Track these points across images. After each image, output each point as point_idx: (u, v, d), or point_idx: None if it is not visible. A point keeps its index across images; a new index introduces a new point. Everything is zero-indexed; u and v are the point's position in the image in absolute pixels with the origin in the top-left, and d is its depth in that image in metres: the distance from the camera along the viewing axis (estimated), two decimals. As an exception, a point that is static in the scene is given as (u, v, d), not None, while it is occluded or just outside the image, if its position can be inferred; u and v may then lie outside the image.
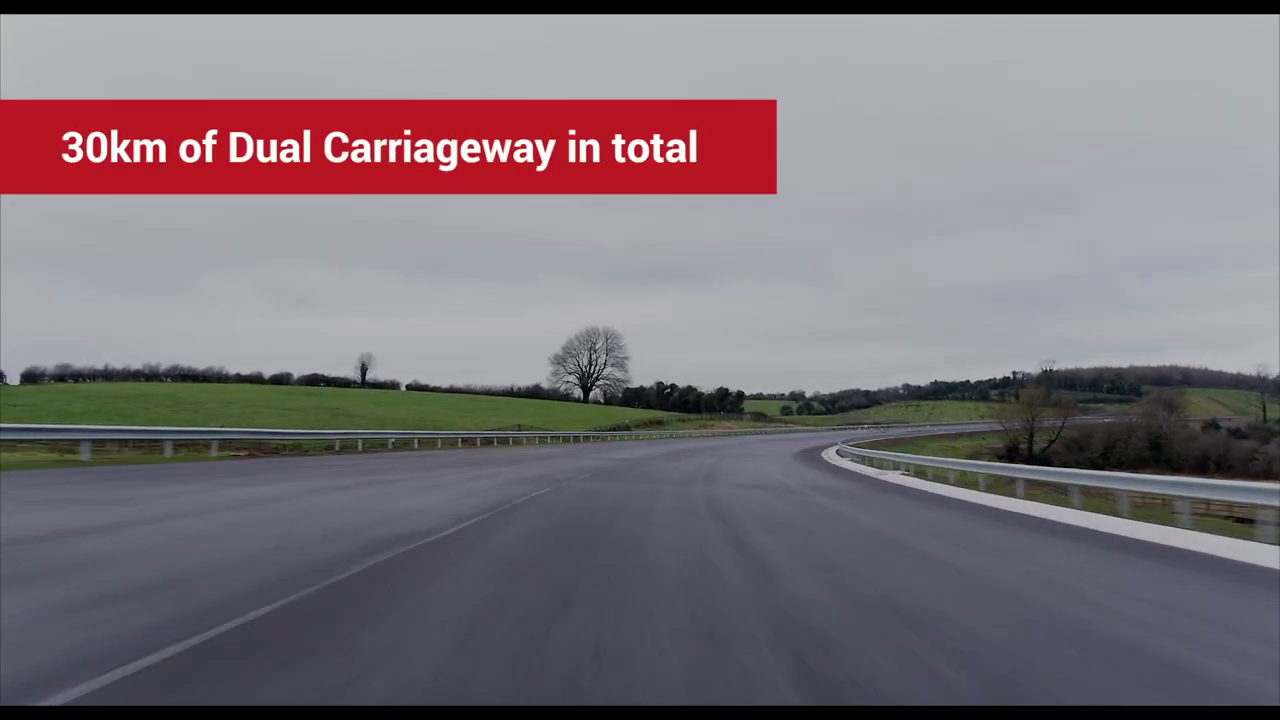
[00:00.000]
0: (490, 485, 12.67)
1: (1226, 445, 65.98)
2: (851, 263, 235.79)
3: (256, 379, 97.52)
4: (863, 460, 31.14)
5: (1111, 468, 53.09)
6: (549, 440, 44.07)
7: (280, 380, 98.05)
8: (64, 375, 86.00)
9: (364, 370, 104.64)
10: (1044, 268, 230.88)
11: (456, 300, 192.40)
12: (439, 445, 29.67)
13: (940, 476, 19.67)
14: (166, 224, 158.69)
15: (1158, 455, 69.74)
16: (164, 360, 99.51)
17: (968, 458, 39.70)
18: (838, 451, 44.80)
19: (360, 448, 24.14)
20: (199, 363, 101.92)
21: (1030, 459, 67.51)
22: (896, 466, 24.23)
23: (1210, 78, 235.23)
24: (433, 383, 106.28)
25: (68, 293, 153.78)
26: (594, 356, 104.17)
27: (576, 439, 48.15)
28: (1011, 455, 70.47)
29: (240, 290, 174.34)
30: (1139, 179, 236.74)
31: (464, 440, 33.65)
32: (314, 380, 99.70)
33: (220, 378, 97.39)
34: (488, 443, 35.97)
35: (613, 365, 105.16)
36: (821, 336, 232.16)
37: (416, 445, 27.90)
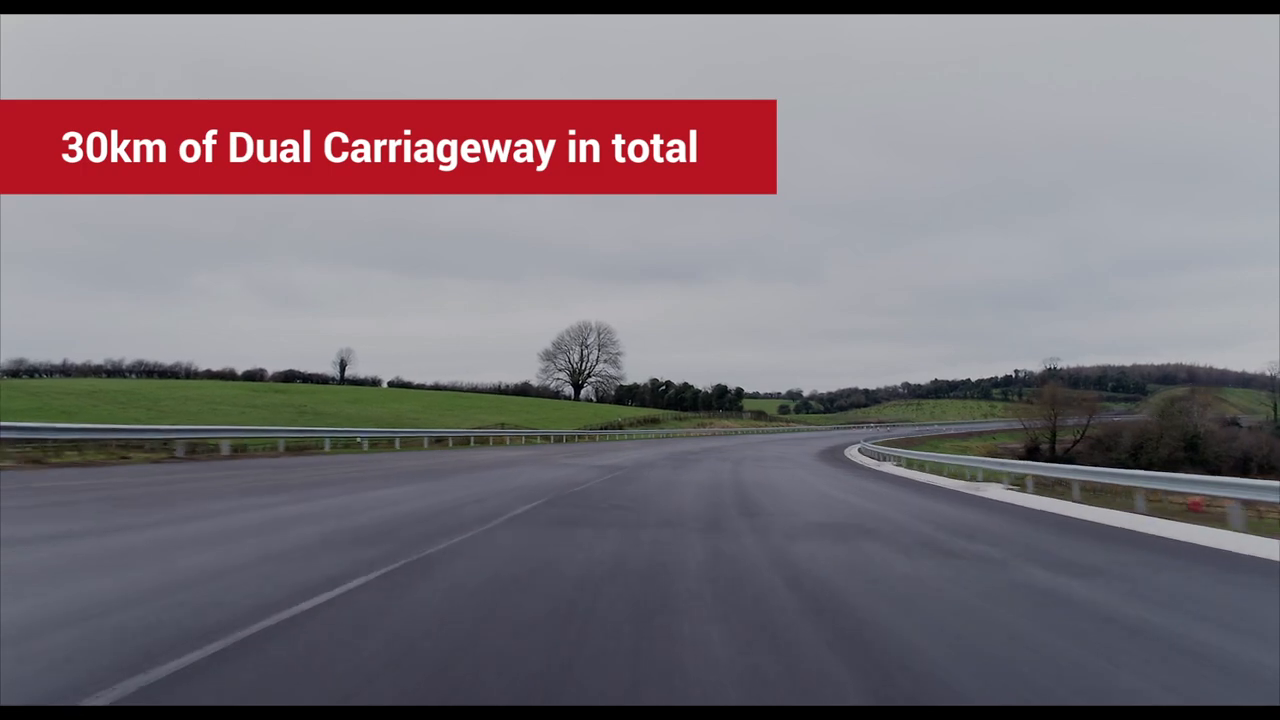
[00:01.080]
0: (225, 563, 5.08)
1: (1270, 445, 59.01)
2: (848, 261, 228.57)
3: (229, 375, 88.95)
4: (912, 465, 23.97)
5: (1144, 468, 46.26)
6: (523, 440, 36.69)
7: (253, 376, 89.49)
8: (18, 371, 77.53)
9: (343, 366, 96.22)
10: (1039, 267, 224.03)
11: (449, 299, 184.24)
12: (365, 447, 21.94)
13: (1102, 499, 12.14)
14: (153, 221, 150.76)
15: (1193, 455, 63.20)
16: (130, 356, 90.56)
17: (986, 457, 32.46)
18: (861, 450, 37.66)
19: (224, 451, 16.46)
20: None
21: (1054, 459, 60.69)
22: (995, 477, 16.83)
23: (1210, 77, 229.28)
24: (418, 380, 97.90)
25: (56, 291, 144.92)
26: (585, 352, 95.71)
27: (560, 439, 40.88)
28: (1032, 455, 64.20)
29: (228, 288, 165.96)
30: (1135, 177, 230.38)
31: (403, 441, 26.04)
32: (289, 376, 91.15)
33: (189, 374, 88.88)
34: (440, 443, 28.42)
35: (605, 361, 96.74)
36: (817, 335, 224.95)
37: (327, 447, 20.20)
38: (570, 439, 42.06)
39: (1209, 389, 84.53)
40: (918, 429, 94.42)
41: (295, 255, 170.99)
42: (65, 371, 78.65)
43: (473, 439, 31.93)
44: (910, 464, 24.92)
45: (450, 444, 28.56)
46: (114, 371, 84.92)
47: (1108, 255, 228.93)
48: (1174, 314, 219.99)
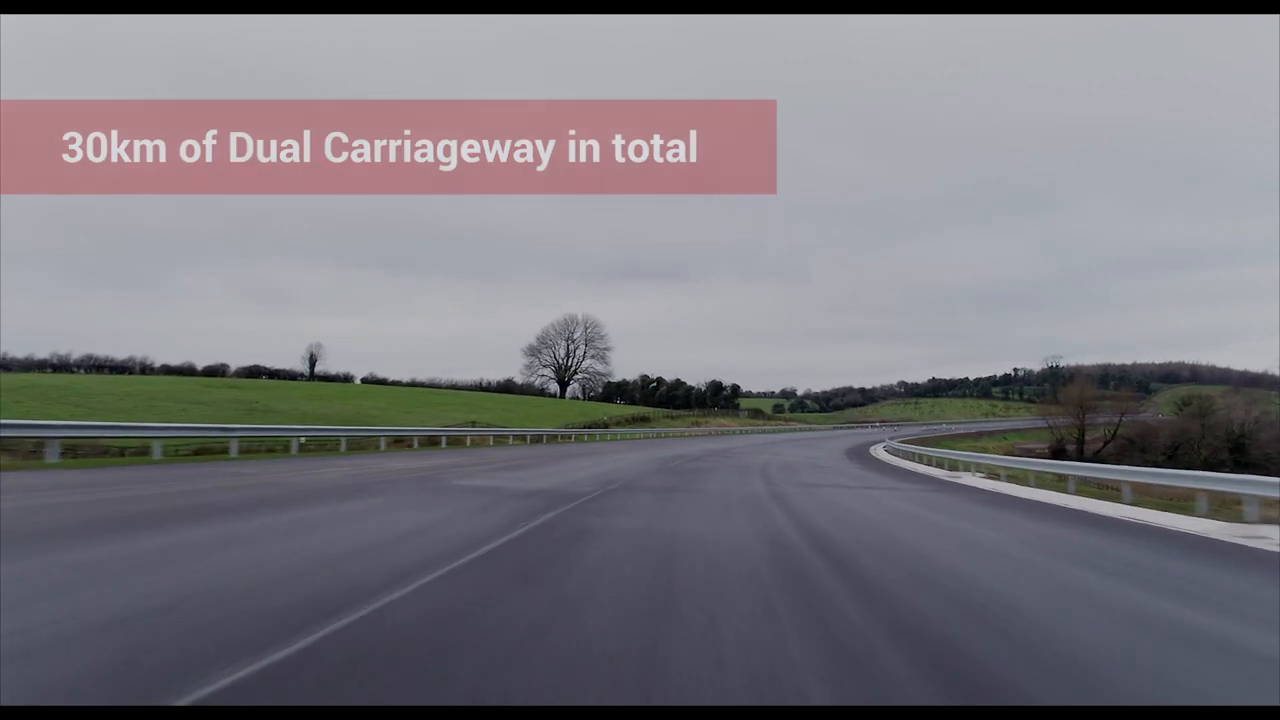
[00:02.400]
0: None
1: (1320, 445, 53.61)
2: (845, 261, 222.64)
3: (189, 371, 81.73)
4: (1019, 478, 16.84)
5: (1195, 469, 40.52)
6: (468, 441, 32.46)
7: (214, 372, 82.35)
8: (-51, 366, 70.35)
9: (313, 362, 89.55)
10: (1038, 267, 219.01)
11: (442, 299, 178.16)
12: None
13: None
14: (145, 221, 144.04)
15: (1238, 457, 57.93)
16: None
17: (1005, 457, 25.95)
18: (890, 451, 32.15)
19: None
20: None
21: (1081, 459, 54.59)
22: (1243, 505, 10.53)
23: (1210, 77, 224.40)
24: (395, 378, 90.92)
25: (48, 290, 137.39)
26: (572, 348, 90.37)
27: (528, 438, 36.62)
28: (1058, 455, 58.95)
29: (219, 288, 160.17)
30: (1134, 177, 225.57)
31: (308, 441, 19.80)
32: (254, 372, 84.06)
33: (144, 369, 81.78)
34: (354, 445, 22.12)
35: (592, 357, 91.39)
36: (814, 335, 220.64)
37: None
38: (540, 439, 38.30)
39: (1259, 389, 78.80)
40: (925, 428, 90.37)
41: (288, 254, 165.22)
42: (6, 366, 71.50)
43: (384, 441, 24.81)
44: (1010, 476, 17.30)
45: (348, 446, 22.53)
46: (60, 366, 77.96)
47: (1107, 255, 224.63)
48: (1172, 313, 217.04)
